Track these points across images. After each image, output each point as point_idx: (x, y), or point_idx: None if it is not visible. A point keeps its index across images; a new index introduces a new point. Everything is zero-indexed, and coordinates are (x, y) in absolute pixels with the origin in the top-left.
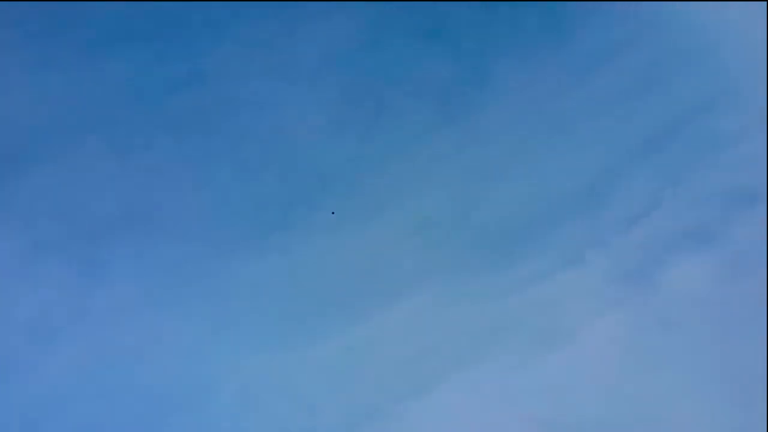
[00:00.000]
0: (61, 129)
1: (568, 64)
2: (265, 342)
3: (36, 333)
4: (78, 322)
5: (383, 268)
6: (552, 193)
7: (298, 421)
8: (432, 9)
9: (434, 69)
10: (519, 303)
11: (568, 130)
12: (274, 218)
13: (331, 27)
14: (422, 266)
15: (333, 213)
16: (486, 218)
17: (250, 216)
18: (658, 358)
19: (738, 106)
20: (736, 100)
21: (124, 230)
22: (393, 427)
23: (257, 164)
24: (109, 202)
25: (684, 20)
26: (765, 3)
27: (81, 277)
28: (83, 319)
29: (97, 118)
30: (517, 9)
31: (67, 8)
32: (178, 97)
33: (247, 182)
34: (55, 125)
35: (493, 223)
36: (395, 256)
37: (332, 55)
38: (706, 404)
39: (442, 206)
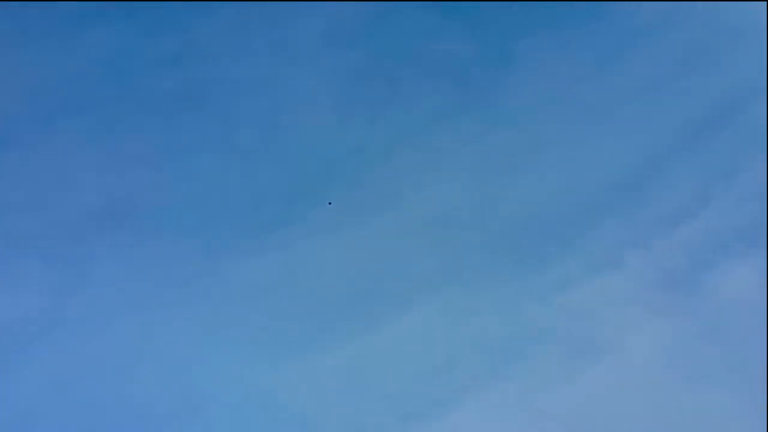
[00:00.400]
0: (34, 112)
1: (603, 41)
2: (262, 351)
3: (8, 340)
4: (56, 329)
5: (394, 271)
6: (585, 188)
7: None
8: None
9: (451, 46)
10: (547, 312)
11: (604, 117)
12: (273, 213)
13: None
14: (438, 269)
15: (330, 203)
16: (510, 215)
17: (246, 210)
18: (706, 372)
19: None
20: None
21: (106, 226)
22: None
23: (254, 153)
24: (89, 194)
25: None
26: (765, 3)
27: (59, 278)
28: (61, 325)
29: (74, 100)
30: None
31: None
32: (166, 77)
33: (242, 173)
34: (27, 108)
35: (519, 220)
36: (407, 257)
37: (337, 30)
38: (759, 423)
39: (461, 201)
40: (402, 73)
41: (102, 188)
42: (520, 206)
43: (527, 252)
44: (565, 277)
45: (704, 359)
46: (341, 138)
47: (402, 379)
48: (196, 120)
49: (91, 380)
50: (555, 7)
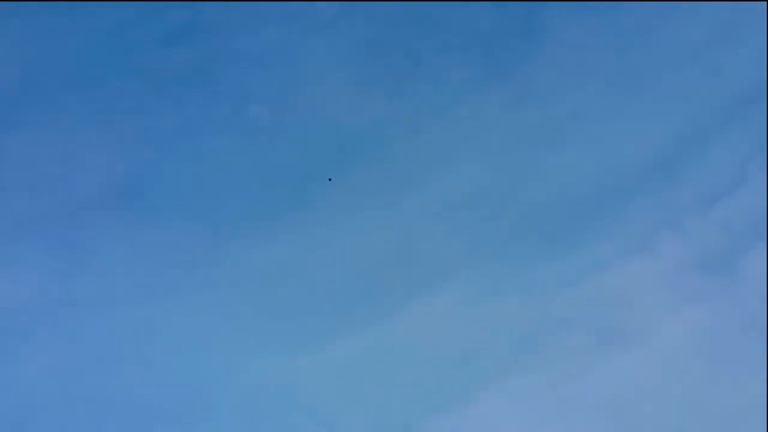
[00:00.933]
0: (35, 89)
1: (636, 11)
2: (275, 342)
3: (8, 328)
4: (57, 315)
5: (413, 255)
6: (617, 166)
7: None
8: None
9: (476, 17)
10: (576, 298)
11: (636, 90)
12: (287, 195)
13: None
14: (461, 253)
15: (330, 180)
16: (537, 195)
17: (258, 192)
18: (743, 361)
19: None
20: None
21: (110, 208)
22: None
23: (266, 131)
24: (92, 175)
25: None
26: (765, 3)
27: (60, 263)
28: (63, 312)
29: (77, 75)
30: None
31: None
32: (173, 52)
33: (254, 152)
34: (28, 85)
35: (546, 201)
36: (429, 240)
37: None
38: None
39: (486, 181)
40: (423, 45)
41: (105, 168)
42: (547, 186)
43: (555, 234)
44: (594, 260)
45: (742, 348)
46: (359, 114)
47: (423, 370)
48: (204, 96)
49: (94, 370)
50: None
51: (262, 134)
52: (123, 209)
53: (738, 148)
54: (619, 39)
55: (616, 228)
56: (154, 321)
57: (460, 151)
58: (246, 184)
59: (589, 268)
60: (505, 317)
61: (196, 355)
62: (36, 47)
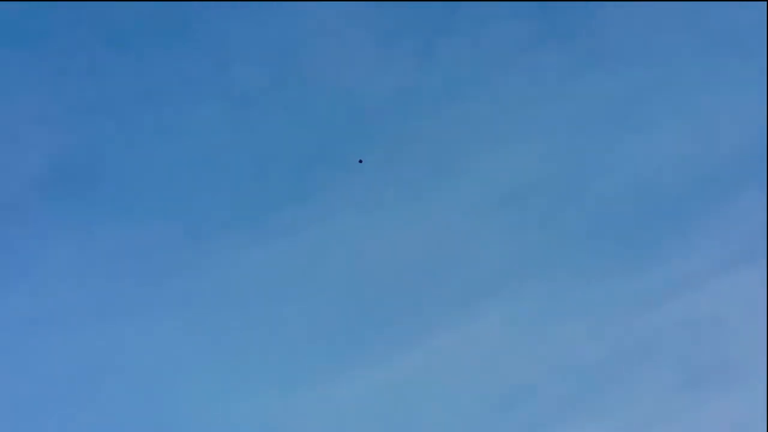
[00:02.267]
0: None
1: None
2: (267, 375)
3: None
4: None
5: (448, 264)
6: (717, 149)
7: None
8: None
9: None
10: (654, 321)
11: (743, 51)
12: (284, 183)
13: None
14: (508, 262)
15: (360, 161)
16: (610, 188)
17: (247, 179)
18: None
19: None
20: None
21: (55, 199)
22: None
23: (258, 100)
24: (32, 154)
25: None
26: (765, 3)
27: None
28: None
29: (10, 25)
30: None
31: None
32: None
33: (242, 128)
34: None
35: (622, 195)
36: (467, 245)
37: None
38: None
39: (542, 168)
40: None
41: (50, 145)
42: (624, 176)
43: (627, 240)
44: (678, 275)
45: None
46: (379, 80)
47: (457, 415)
48: (177, 54)
49: (42, 404)
50: None
51: (253, 104)
52: (71, 200)
53: None
54: None
55: (714, 232)
56: (111, 347)
57: (508, 130)
58: (232, 168)
59: (671, 283)
60: (564, 345)
61: (165, 394)
62: None
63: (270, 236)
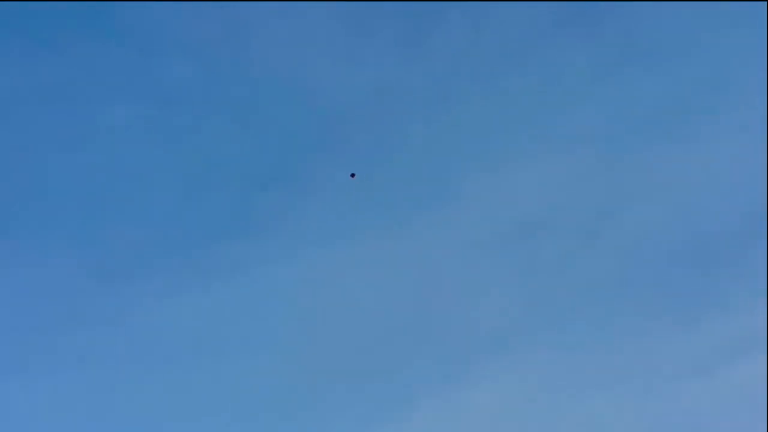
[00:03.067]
0: None
1: None
2: None
3: None
4: None
5: (441, 315)
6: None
7: None
8: None
9: None
10: (710, 394)
11: None
12: (228, 211)
13: None
14: (516, 313)
15: (353, 176)
16: (648, 220)
17: (179, 206)
18: None
19: None
20: None
21: None
22: None
23: (197, 101)
24: None
25: None
26: (765, 3)
27: None
28: None
29: None
30: None
31: None
32: None
33: (174, 141)
34: None
35: (663, 230)
36: (465, 290)
37: None
38: None
39: (561, 195)
40: None
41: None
42: (656, 207)
43: (666, 289)
44: (731, 337)
45: None
46: (352, 78)
47: None
48: (98, 45)
49: None
50: None
51: (184, 106)
52: None
53: None
54: None
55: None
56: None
57: (518, 142)
58: (156, 188)
59: (730, 348)
60: (584, 424)
61: None
62: None
63: (202, 278)
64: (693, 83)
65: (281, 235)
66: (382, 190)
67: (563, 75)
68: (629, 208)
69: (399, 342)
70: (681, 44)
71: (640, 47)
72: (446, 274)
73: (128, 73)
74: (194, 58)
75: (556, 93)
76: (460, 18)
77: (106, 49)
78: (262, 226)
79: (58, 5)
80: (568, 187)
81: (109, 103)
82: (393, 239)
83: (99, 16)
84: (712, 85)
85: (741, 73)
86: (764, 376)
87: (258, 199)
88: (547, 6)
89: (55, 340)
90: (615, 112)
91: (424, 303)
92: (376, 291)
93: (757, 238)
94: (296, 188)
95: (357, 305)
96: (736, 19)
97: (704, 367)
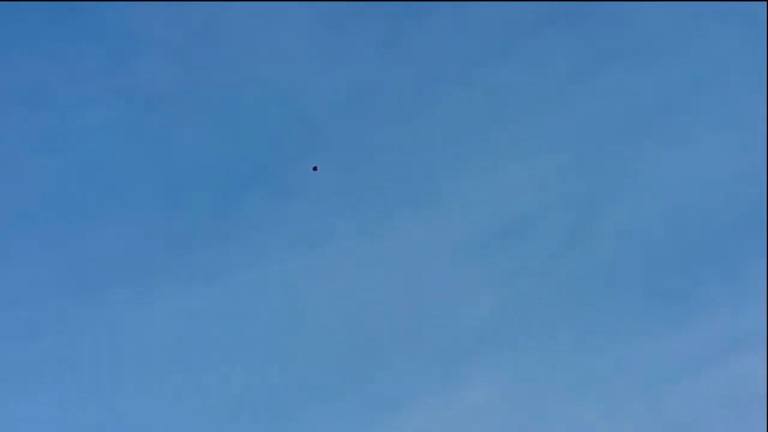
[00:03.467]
0: None
1: None
2: None
3: None
4: None
5: (428, 318)
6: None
7: None
8: None
9: None
10: (702, 395)
11: None
12: (207, 214)
13: None
14: (504, 316)
15: (315, 169)
16: (637, 220)
17: (158, 209)
18: None
19: None
20: None
21: None
22: None
23: (173, 110)
24: None
25: None
26: (765, 3)
27: None
28: None
29: None
30: None
31: None
32: None
33: (153, 142)
34: None
35: (652, 230)
36: (451, 292)
37: None
38: None
39: (549, 195)
40: None
41: None
42: (645, 206)
43: (656, 289)
44: (725, 337)
45: None
46: (331, 77)
47: None
48: (67, 44)
49: None
50: None
51: (163, 108)
52: None
53: None
54: None
55: None
56: None
57: (503, 141)
58: (134, 190)
59: (722, 348)
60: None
61: None
62: None
63: (183, 282)
64: (682, 83)
65: (263, 237)
66: (365, 191)
67: (545, 74)
68: (615, 208)
69: (384, 345)
70: (671, 43)
71: (626, 46)
72: (430, 276)
73: (106, 74)
74: (174, 58)
75: (538, 92)
76: (440, 17)
77: (83, 49)
78: (243, 229)
79: (33, 4)
80: (553, 187)
81: (85, 105)
82: (376, 241)
83: (76, 16)
84: (703, 84)
85: (737, 73)
86: (764, 377)
87: (239, 201)
88: (528, 5)
89: (27, 348)
90: (600, 111)
91: (409, 306)
92: (360, 293)
93: (750, 238)
94: (277, 190)
95: (341, 308)
96: (734, 19)
97: (696, 369)
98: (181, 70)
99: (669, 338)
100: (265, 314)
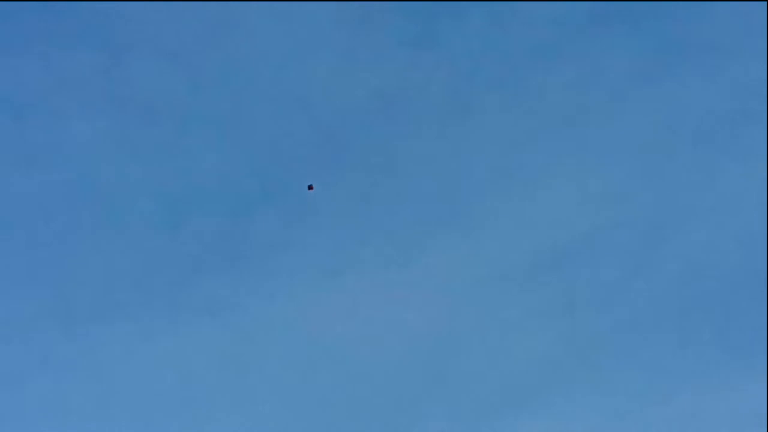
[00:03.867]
0: None
1: None
2: None
3: None
4: None
5: (447, 365)
6: None
7: None
8: None
9: None
10: None
11: None
12: (207, 242)
13: None
14: (534, 366)
15: (311, 188)
16: (701, 255)
17: (153, 235)
18: None
19: None
20: None
21: None
22: None
23: (170, 120)
24: None
25: None
26: (765, 3)
27: None
28: None
29: None
30: None
31: None
32: None
33: (148, 156)
34: None
35: (718, 267)
36: (475, 335)
37: None
38: None
39: (594, 221)
40: None
41: None
42: (712, 237)
43: (728, 330)
44: None
45: None
46: (352, 82)
47: None
48: (54, 48)
49: None
50: None
51: (159, 117)
52: None
53: None
54: None
55: None
56: None
57: (542, 158)
58: (126, 212)
59: None
60: None
61: None
62: None
63: (185, 318)
64: (759, 87)
65: (275, 266)
66: (392, 212)
67: (600, 78)
68: (683, 232)
69: (411, 394)
70: (746, 43)
71: (696, 46)
72: (465, 312)
73: (98, 81)
74: (173, 63)
75: (592, 99)
76: (479, 15)
77: (74, 54)
78: (253, 257)
79: (20, 5)
80: (609, 206)
81: (77, 115)
82: (404, 270)
83: (66, 17)
84: None
85: None
86: None
87: (248, 223)
88: (581, 4)
89: (12, 390)
90: (665, 120)
91: (440, 346)
92: (386, 332)
93: None
94: (291, 211)
95: (363, 348)
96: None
97: None
98: (184, 76)
99: (752, 387)
100: (277, 355)
